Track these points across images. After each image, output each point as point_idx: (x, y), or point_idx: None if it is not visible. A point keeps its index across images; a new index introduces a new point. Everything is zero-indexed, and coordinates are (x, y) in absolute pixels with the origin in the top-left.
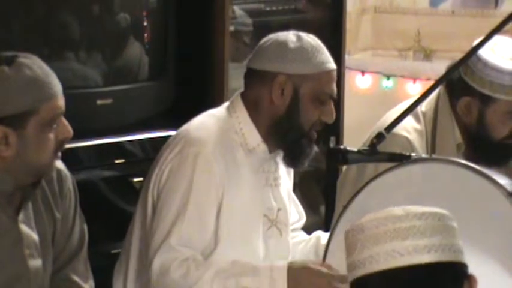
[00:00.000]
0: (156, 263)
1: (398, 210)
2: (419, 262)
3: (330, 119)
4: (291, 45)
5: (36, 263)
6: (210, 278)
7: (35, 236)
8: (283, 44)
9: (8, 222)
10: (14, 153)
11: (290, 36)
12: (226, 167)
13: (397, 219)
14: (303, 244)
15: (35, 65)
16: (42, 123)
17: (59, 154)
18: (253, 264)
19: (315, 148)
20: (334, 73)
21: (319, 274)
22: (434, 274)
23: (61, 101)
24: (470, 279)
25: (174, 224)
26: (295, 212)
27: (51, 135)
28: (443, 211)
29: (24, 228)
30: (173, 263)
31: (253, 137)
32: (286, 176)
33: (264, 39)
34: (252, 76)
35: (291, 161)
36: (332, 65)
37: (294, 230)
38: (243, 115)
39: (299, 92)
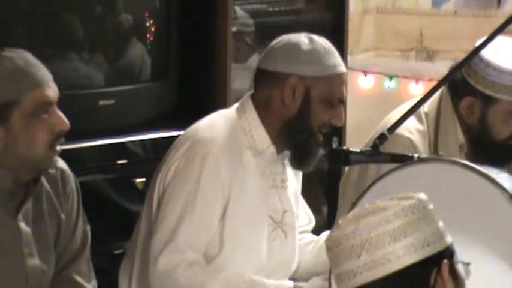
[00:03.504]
0: (162, 262)
1: (348, 227)
2: (377, 277)
3: (339, 122)
4: (304, 47)
5: (34, 261)
6: (217, 286)
7: (34, 235)
8: (295, 46)
9: (8, 219)
10: (2, 147)
11: (302, 38)
12: (234, 167)
13: (351, 235)
14: (312, 245)
15: (18, 57)
16: (28, 114)
17: (58, 148)
18: (260, 280)
19: (322, 150)
20: (345, 76)
21: None
22: (398, 283)
23: (48, 91)
24: (440, 265)
25: (180, 223)
26: (305, 215)
27: (41, 127)
28: (404, 203)
29: (23, 226)
30: (179, 265)
31: (263, 138)
32: (294, 179)
33: (276, 40)
34: (262, 77)
35: (298, 162)
36: (343, 68)
37: (302, 232)
38: (252, 116)
39: (310, 94)
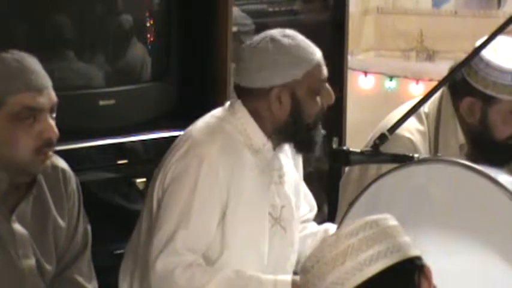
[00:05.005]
0: (159, 265)
1: (329, 238)
2: (364, 278)
3: (330, 99)
4: (273, 56)
5: (30, 262)
6: (215, 285)
7: (30, 236)
8: (264, 57)
9: (1, 221)
10: None
11: (267, 45)
12: (232, 169)
13: (331, 246)
14: (311, 238)
15: (13, 59)
16: (10, 116)
17: (50, 154)
18: (257, 276)
19: (323, 132)
20: (322, 59)
21: None
22: (383, 282)
23: (38, 97)
24: (423, 269)
25: (178, 226)
26: (305, 204)
27: (23, 131)
28: (374, 217)
29: (18, 227)
30: (177, 268)
31: (258, 137)
32: (293, 171)
33: (242, 53)
34: (243, 92)
35: (301, 149)
36: (318, 54)
37: (305, 221)
38: (244, 116)
39: (296, 95)
